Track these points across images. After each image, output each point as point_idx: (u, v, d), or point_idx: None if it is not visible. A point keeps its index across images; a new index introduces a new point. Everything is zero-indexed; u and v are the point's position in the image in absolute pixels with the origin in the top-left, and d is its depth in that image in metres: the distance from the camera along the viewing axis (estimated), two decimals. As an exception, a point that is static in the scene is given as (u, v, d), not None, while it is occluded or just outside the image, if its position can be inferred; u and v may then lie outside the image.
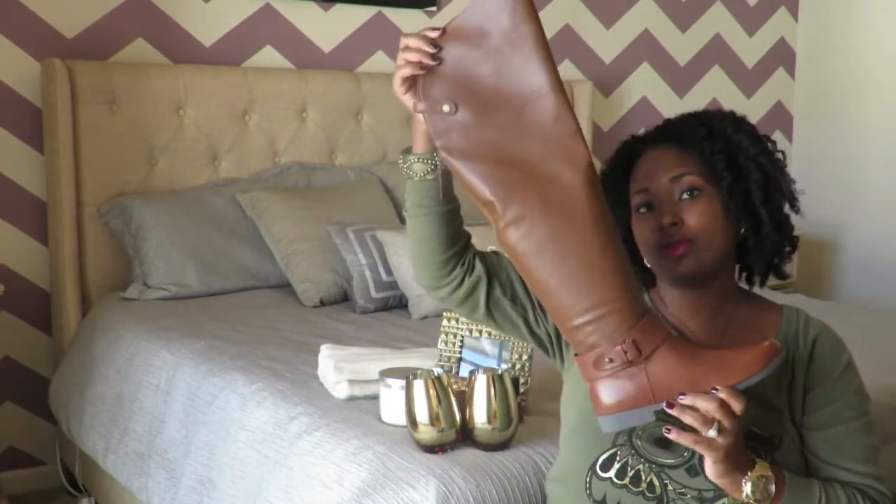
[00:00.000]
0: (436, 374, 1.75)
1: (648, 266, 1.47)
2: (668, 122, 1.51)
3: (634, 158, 1.49)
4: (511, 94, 1.24)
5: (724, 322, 1.46)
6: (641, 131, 1.55)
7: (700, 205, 1.40)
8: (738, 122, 1.47)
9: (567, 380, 1.50)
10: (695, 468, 1.35)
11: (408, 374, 1.75)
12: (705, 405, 1.18)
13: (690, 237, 1.39)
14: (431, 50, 1.25)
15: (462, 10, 1.27)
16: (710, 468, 1.22)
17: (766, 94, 4.72)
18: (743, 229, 1.44)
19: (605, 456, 1.38)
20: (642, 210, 1.44)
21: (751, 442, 1.34)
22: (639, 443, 1.38)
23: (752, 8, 4.61)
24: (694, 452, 1.34)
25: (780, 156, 1.45)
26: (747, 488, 1.24)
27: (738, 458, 1.22)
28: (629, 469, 1.37)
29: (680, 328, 1.46)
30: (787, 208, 1.46)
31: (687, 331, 1.46)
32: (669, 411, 1.19)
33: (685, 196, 1.41)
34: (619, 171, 1.49)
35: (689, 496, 1.34)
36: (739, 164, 1.42)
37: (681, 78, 4.45)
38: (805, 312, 1.49)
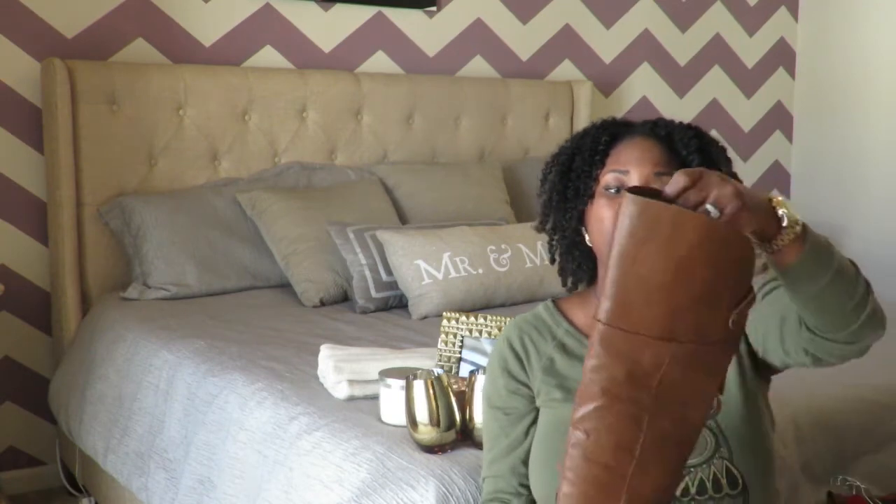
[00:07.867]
0: (436, 374, 1.75)
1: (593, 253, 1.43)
2: (660, 121, 1.46)
3: (614, 141, 1.43)
4: None
5: None
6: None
7: None
8: (728, 161, 1.43)
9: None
10: None
11: (408, 374, 1.76)
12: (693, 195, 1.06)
13: None
14: None
15: None
16: (745, 221, 1.08)
17: (766, 94, 4.72)
18: None
19: None
20: (612, 191, 1.38)
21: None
22: None
23: (752, 8, 4.61)
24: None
25: None
26: (781, 211, 1.12)
27: (752, 197, 1.09)
28: None
29: None
30: None
31: None
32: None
33: None
34: (598, 143, 1.43)
35: None
36: None
37: (681, 78, 4.45)
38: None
